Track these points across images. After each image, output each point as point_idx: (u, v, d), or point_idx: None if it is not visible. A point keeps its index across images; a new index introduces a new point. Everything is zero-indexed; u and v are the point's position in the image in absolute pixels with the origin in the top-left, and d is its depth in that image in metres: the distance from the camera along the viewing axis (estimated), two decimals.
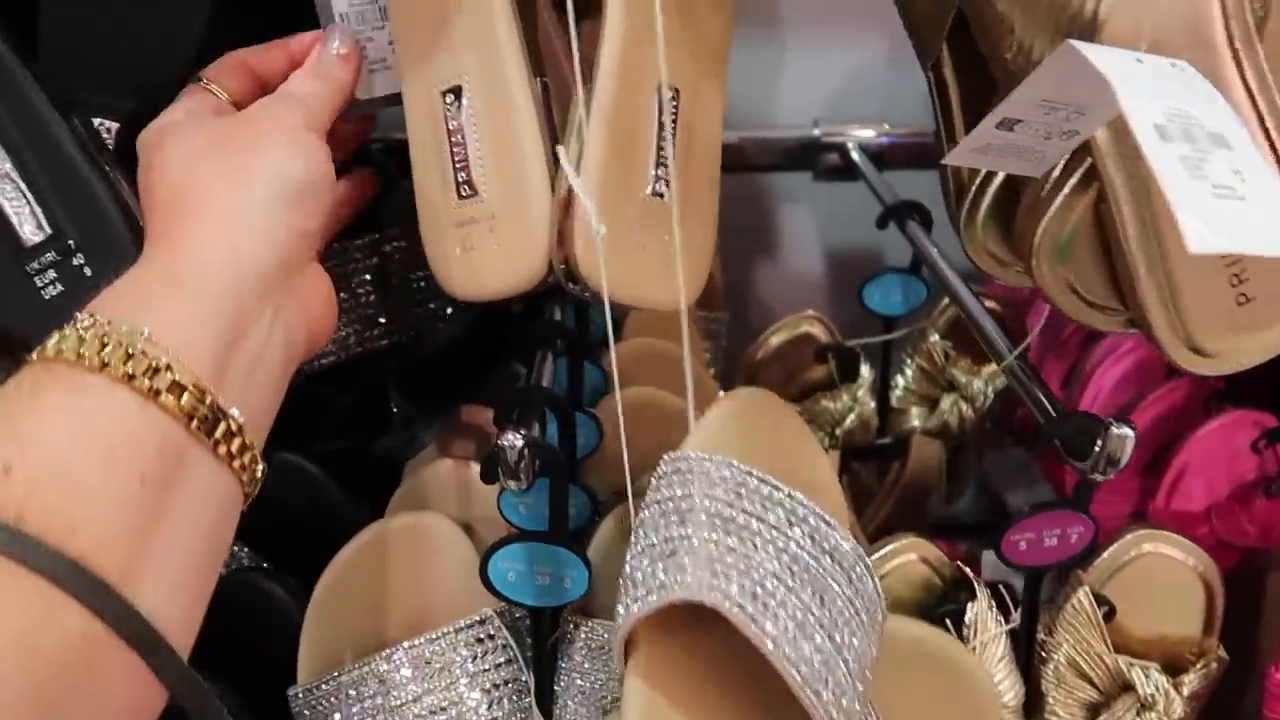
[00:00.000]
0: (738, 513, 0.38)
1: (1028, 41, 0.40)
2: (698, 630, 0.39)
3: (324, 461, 0.63)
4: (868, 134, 0.92)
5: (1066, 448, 0.50)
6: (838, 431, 0.81)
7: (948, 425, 0.82)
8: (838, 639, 0.36)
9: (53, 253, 0.41)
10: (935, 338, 0.82)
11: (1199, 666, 0.57)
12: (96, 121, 0.46)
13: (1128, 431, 0.46)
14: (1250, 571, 0.72)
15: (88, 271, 0.41)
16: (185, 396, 0.34)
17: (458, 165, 0.46)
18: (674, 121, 0.45)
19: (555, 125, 0.46)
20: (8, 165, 0.42)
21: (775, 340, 0.83)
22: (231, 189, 0.39)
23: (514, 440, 0.44)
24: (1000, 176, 0.52)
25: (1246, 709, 0.67)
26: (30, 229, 0.41)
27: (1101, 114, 0.38)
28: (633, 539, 0.41)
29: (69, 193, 0.42)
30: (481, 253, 0.45)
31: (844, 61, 0.95)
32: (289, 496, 0.62)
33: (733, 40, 0.50)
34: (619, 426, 0.44)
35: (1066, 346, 0.88)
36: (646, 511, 0.42)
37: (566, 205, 0.43)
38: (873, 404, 0.82)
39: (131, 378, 0.33)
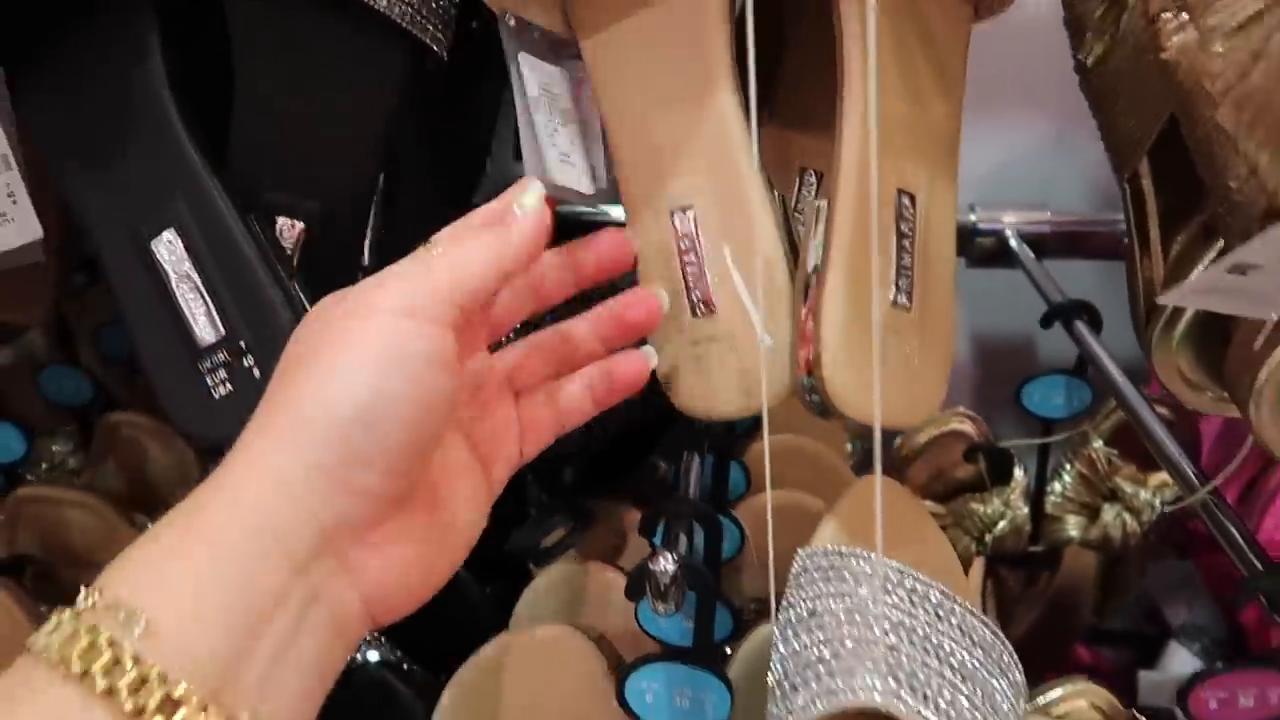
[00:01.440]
0: (890, 610, 0.35)
1: (1262, 166, 0.36)
2: None
3: None
4: (1027, 220, 0.88)
5: (1272, 603, 0.44)
6: (987, 538, 0.76)
7: (1109, 537, 0.76)
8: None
9: (224, 353, 0.41)
10: (1099, 443, 0.76)
11: None
12: (280, 221, 0.46)
13: None
14: None
15: (257, 374, 0.41)
16: (181, 714, 0.28)
17: (690, 284, 0.44)
18: (912, 227, 0.42)
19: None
20: (188, 266, 0.42)
21: (922, 437, 0.79)
22: (284, 413, 0.32)
23: (667, 565, 0.42)
24: None
25: None
26: (205, 329, 0.41)
27: None
28: (778, 641, 0.38)
29: (243, 295, 0.42)
30: (716, 370, 0.43)
31: (1004, 144, 0.91)
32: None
33: None
34: (762, 530, 0.41)
35: (1248, 457, 0.82)
36: (791, 612, 0.39)
37: (810, 319, 0.40)
38: (1025, 509, 0.77)
39: (112, 692, 0.27)
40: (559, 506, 0.59)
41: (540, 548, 0.57)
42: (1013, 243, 0.87)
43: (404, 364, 0.32)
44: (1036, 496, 0.77)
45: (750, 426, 0.72)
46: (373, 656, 0.57)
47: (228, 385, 0.42)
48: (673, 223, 0.43)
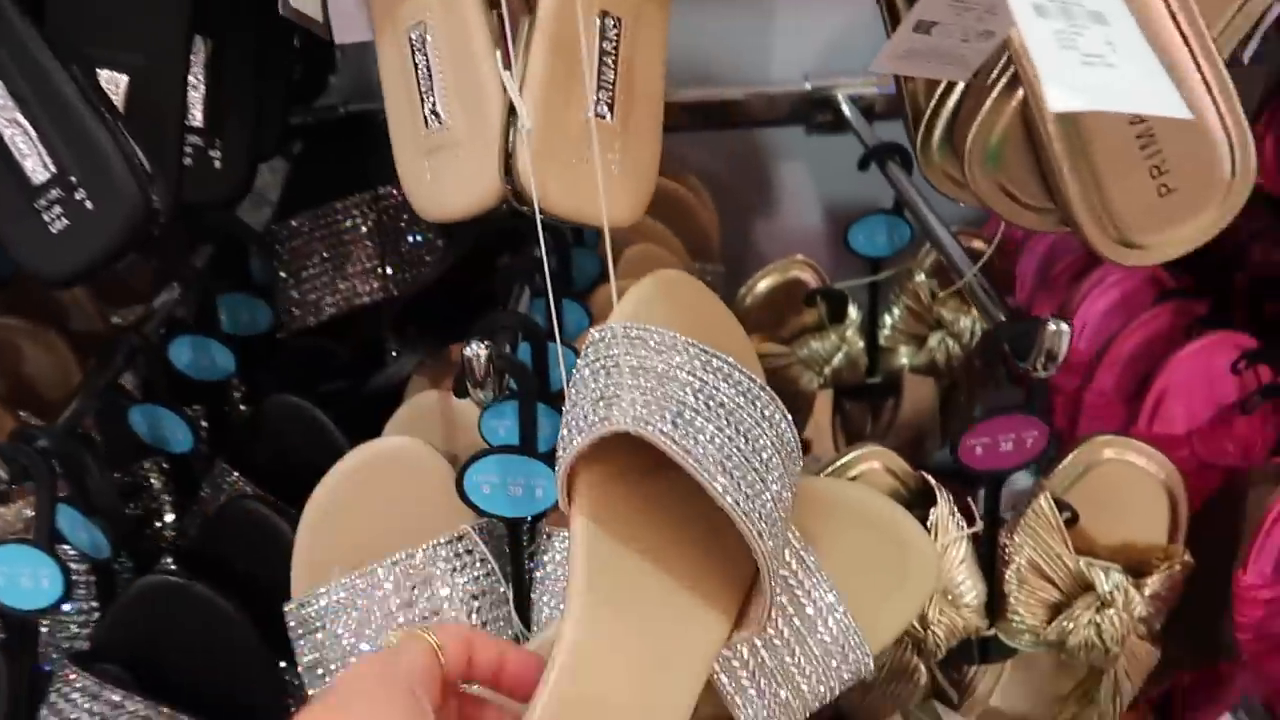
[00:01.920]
0: (658, 363, 0.41)
1: None
2: (635, 482, 0.43)
3: (325, 402, 0.67)
4: (858, 87, 0.94)
5: (1014, 350, 0.52)
6: (826, 370, 0.83)
7: (935, 362, 0.84)
8: (758, 466, 0.39)
9: (58, 189, 0.45)
10: (921, 277, 0.83)
11: (1162, 568, 0.58)
12: (104, 74, 0.50)
13: (1064, 328, 0.48)
14: (1232, 492, 0.73)
15: (89, 205, 0.45)
16: None
17: (424, 96, 0.49)
18: (615, 47, 0.48)
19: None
20: (16, 113, 0.46)
21: (764, 285, 0.85)
22: None
23: (478, 349, 0.47)
24: (953, 100, 0.54)
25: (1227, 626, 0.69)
26: (37, 169, 0.45)
27: (1009, 12, 0.40)
28: (566, 400, 0.44)
29: (70, 135, 0.45)
30: (446, 177, 0.48)
31: (835, 17, 0.96)
32: (289, 434, 0.66)
33: None
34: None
35: (1056, 284, 0.90)
36: (576, 374, 0.44)
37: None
38: (861, 343, 0.84)
39: None
40: (408, 345, 0.64)
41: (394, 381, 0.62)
42: (845, 109, 0.94)
43: None
44: (870, 330, 0.84)
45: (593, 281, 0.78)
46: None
47: (63, 220, 0.46)
48: (409, 40, 0.48)
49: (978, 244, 0.85)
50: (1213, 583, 0.63)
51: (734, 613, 0.44)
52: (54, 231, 0.46)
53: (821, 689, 0.48)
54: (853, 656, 0.48)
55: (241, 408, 0.76)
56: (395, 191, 0.76)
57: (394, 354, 0.71)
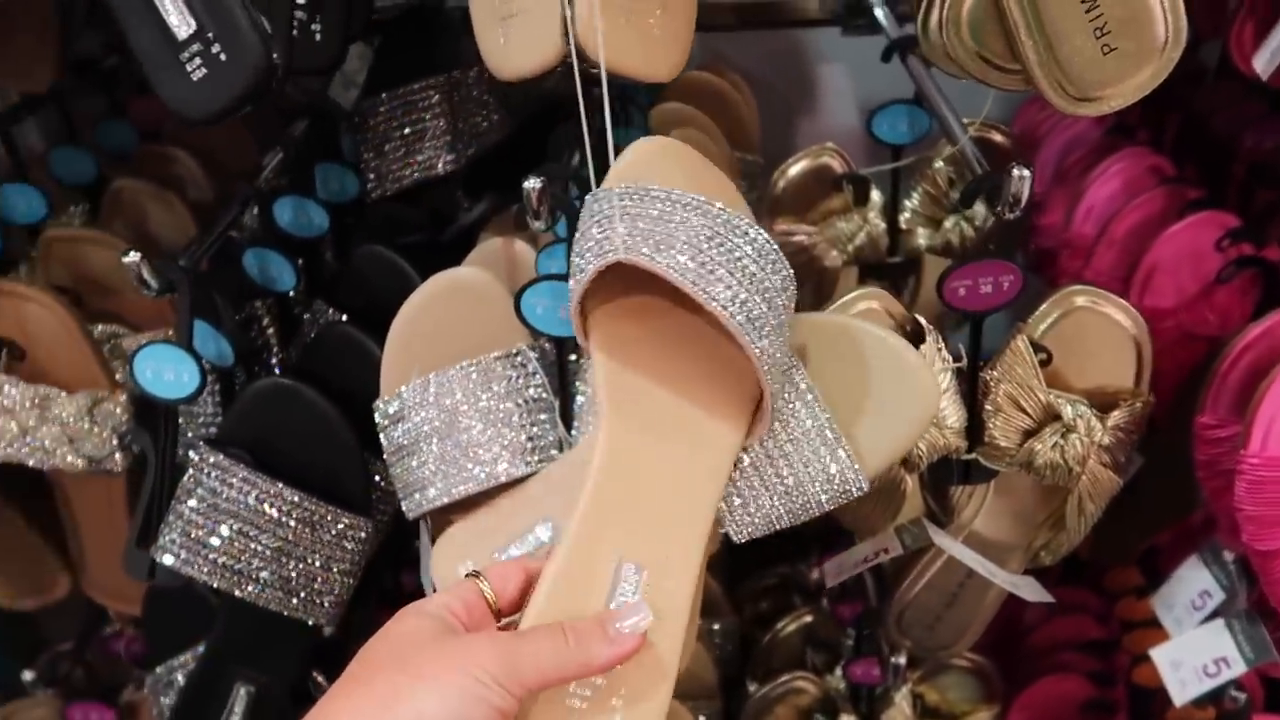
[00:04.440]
0: (649, 208, 0.48)
1: None
2: (647, 320, 0.52)
3: (405, 253, 0.78)
4: None
5: (988, 199, 0.60)
6: (850, 249, 0.92)
7: (951, 243, 0.92)
8: (753, 290, 0.47)
9: (198, 44, 0.56)
10: (939, 164, 0.91)
11: (1126, 403, 0.67)
12: None
13: (1026, 174, 0.56)
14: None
15: (223, 58, 0.56)
16: None
17: None
18: None
19: None
20: None
21: (795, 170, 0.93)
22: None
23: (535, 183, 0.57)
24: None
25: None
26: (180, 26, 0.56)
27: None
28: (572, 251, 0.53)
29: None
30: (516, 41, 0.58)
31: None
32: (375, 279, 0.77)
33: None
34: None
35: (1069, 177, 0.97)
36: (579, 230, 0.52)
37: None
38: (882, 225, 0.92)
39: None
40: (476, 202, 0.74)
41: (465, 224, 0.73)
42: (878, 11, 1.00)
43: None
44: (891, 213, 0.92)
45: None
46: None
47: (202, 69, 0.56)
48: None
49: (996, 136, 0.93)
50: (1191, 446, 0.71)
51: (744, 425, 0.52)
52: (194, 79, 0.57)
53: (810, 502, 0.55)
54: (841, 472, 0.56)
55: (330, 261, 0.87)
56: (463, 74, 0.86)
57: (466, 208, 0.82)
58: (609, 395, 0.51)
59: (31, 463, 0.74)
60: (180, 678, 0.78)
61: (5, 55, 0.76)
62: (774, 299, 0.48)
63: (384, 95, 0.86)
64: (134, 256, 0.61)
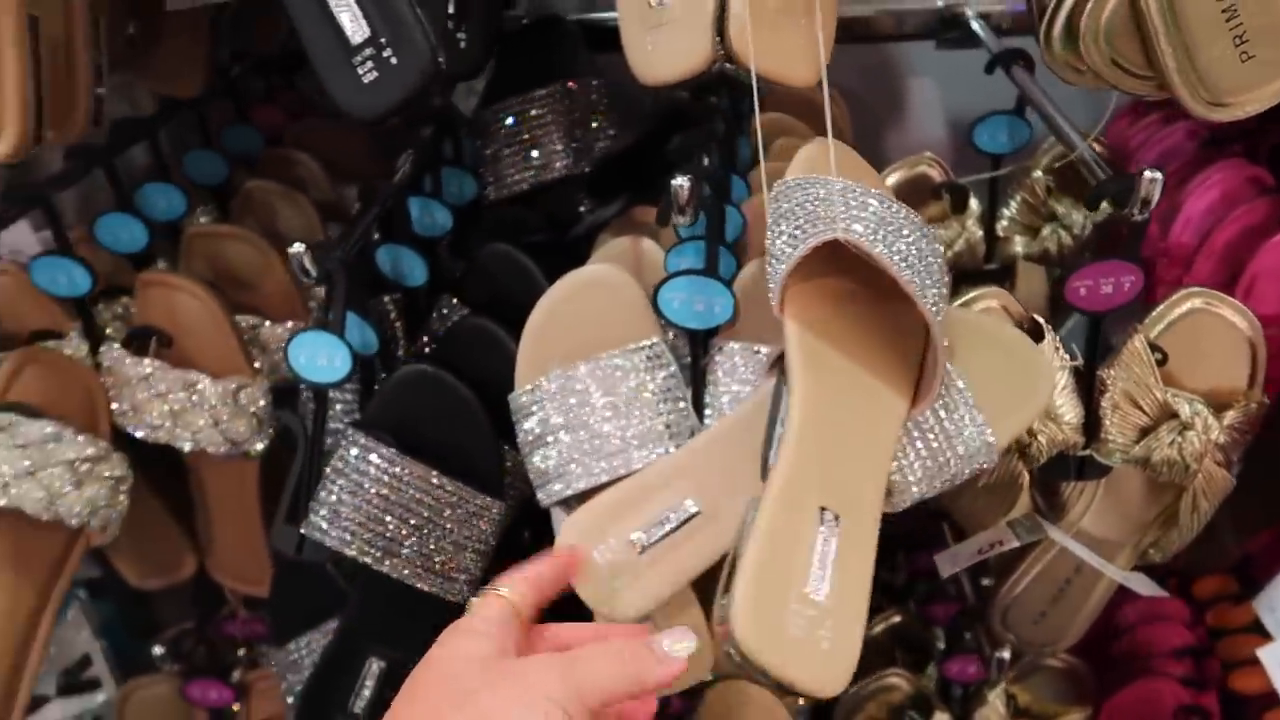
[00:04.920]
0: (852, 199, 0.54)
1: None
2: (831, 299, 0.57)
3: (526, 252, 0.81)
4: (986, 5, 1.03)
5: (1115, 201, 0.62)
6: (947, 255, 0.94)
7: (1048, 251, 0.94)
8: (935, 279, 0.52)
9: (371, 49, 0.59)
10: (1038, 174, 0.93)
11: (1240, 404, 0.69)
12: None
13: (1158, 176, 0.59)
14: None
15: (394, 61, 0.59)
16: None
17: None
18: None
19: None
20: None
21: (893, 179, 0.96)
22: None
23: (684, 182, 0.61)
24: None
25: None
26: (355, 32, 0.60)
27: None
28: (767, 239, 0.57)
29: (382, 7, 0.60)
30: (663, 48, 0.61)
31: None
32: (499, 276, 0.81)
33: None
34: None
35: (1164, 188, 0.98)
36: (771, 226, 0.57)
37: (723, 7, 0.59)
38: (980, 233, 0.94)
39: None
40: (599, 206, 0.78)
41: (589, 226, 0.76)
42: (975, 25, 1.03)
43: None
44: (989, 221, 0.94)
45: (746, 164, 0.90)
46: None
47: (373, 72, 0.60)
48: None
49: (1099, 149, 0.95)
50: None
51: (909, 397, 0.58)
52: (365, 81, 0.61)
53: (951, 473, 0.60)
54: (979, 442, 0.60)
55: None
56: (578, 84, 0.90)
57: (582, 209, 0.85)
58: (801, 360, 0.55)
59: (180, 445, 0.78)
60: (307, 656, 0.81)
61: (159, 62, 0.81)
62: (942, 289, 0.52)
63: (502, 103, 0.90)
64: (299, 247, 0.65)
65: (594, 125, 0.90)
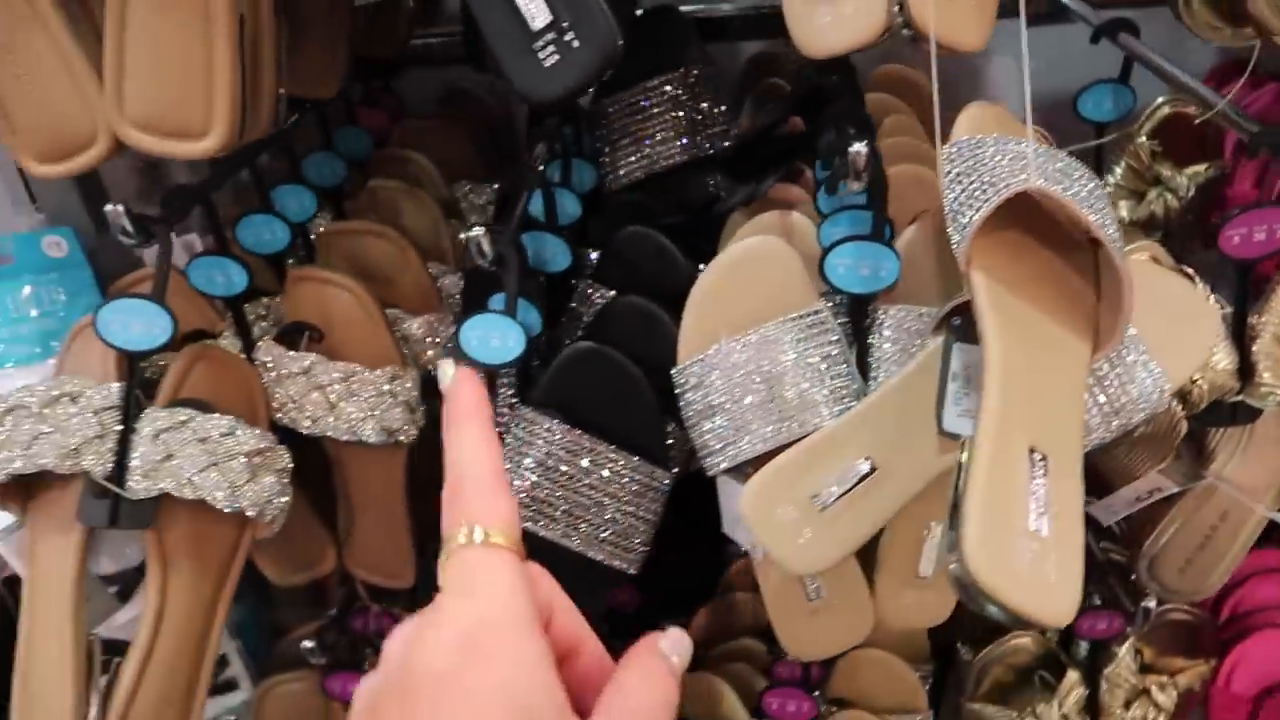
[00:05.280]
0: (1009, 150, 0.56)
1: None
2: (1015, 251, 0.58)
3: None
4: None
5: (1273, 150, 0.65)
6: None
7: (1154, 214, 0.96)
8: (1105, 208, 0.54)
9: (553, 33, 0.61)
10: (1143, 139, 0.96)
11: None
12: None
13: None
14: None
15: (575, 44, 0.61)
16: None
17: None
18: None
19: None
20: None
21: None
22: None
23: (859, 147, 0.63)
24: None
25: None
26: (535, 18, 0.62)
27: None
28: (946, 197, 0.59)
29: None
30: (832, 21, 0.64)
31: None
32: (637, 258, 0.83)
33: None
34: None
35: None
36: (949, 186, 0.60)
37: None
38: None
39: None
40: (736, 185, 0.80)
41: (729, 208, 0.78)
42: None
43: None
44: None
45: None
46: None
47: (555, 56, 0.62)
48: None
49: (1192, 109, 0.97)
50: None
51: (1090, 343, 0.60)
52: (546, 65, 0.63)
53: (1127, 417, 0.63)
54: (1152, 386, 0.63)
55: None
56: (689, 72, 0.92)
57: (715, 191, 0.88)
58: (991, 309, 0.57)
59: (339, 436, 0.80)
60: None
61: (299, 66, 0.83)
62: (1120, 232, 0.55)
63: (618, 93, 0.92)
64: (478, 230, 0.67)
65: (708, 112, 0.92)
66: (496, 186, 1.04)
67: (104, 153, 0.60)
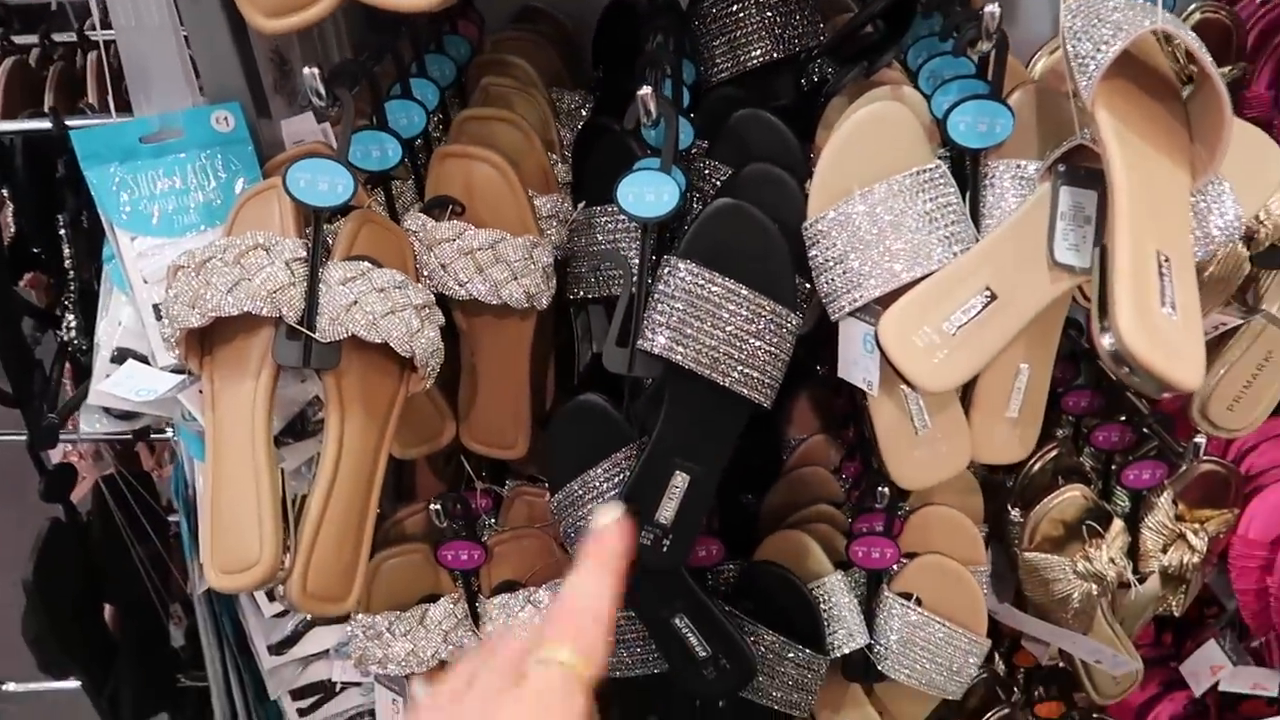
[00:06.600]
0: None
1: None
2: (1119, 95, 0.68)
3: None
4: None
5: None
6: None
7: None
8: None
9: None
10: None
11: None
12: None
13: None
14: None
15: None
16: None
17: None
18: None
19: None
20: None
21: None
22: None
23: (993, 7, 0.72)
24: None
25: None
26: None
27: None
28: (1069, 46, 0.69)
29: None
30: None
31: None
32: (751, 135, 0.91)
33: None
34: None
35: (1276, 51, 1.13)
36: (1071, 40, 0.69)
37: None
38: None
39: None
40: (843, 69, 0.89)
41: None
42: None
43: None
44: None
45: None
46: None
47: None
48: None
49: (1220, 15, 1.09)
50: None
51: (1189, 170, 0.70)
52: None
53: (1212, 242, 0.73)
54: (1232, 214, 0.73)
55: None
56: None
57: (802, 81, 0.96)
58: (1115, 139, 0.67)
59: (485, 298, 0.87)
60: (596, 488, 0.90)
61: None
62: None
63: None
64: (646, 90, 0.75)
65: (795, 13, 1.00)
66: (582, 93, 1.11)
67: (333, 3, 0.66)
